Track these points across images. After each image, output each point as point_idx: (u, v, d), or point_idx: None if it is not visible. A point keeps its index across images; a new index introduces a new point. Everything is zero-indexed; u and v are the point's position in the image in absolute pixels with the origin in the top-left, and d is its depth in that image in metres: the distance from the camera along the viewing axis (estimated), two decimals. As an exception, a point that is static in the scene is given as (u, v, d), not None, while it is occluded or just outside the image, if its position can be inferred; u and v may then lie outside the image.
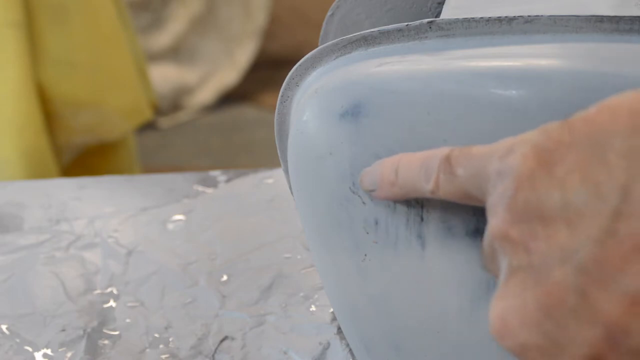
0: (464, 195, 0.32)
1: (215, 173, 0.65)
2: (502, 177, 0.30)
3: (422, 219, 0.37)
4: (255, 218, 0.60)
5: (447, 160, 0.32)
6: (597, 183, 0.27)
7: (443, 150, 0.33)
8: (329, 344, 0.49)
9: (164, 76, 2.03)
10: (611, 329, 0.27)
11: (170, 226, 0.59)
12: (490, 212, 0.30)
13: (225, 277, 0.54)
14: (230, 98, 2.08)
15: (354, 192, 0.38)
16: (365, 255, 0.39)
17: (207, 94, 2.07)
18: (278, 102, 0.40)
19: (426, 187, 0.33)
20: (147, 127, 1.85)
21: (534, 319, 0.28)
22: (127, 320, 0.51)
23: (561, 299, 0.27)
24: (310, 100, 0.38)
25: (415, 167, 0.34)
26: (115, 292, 0.53)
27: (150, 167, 1.79)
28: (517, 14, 0.35)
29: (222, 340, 0.50)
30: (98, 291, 0.54)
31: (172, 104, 2.05)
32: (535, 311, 0.28)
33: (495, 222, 0.29)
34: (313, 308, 0.52)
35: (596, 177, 0.27)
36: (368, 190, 0.37)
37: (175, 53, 2.07)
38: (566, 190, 0.28)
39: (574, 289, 0.27)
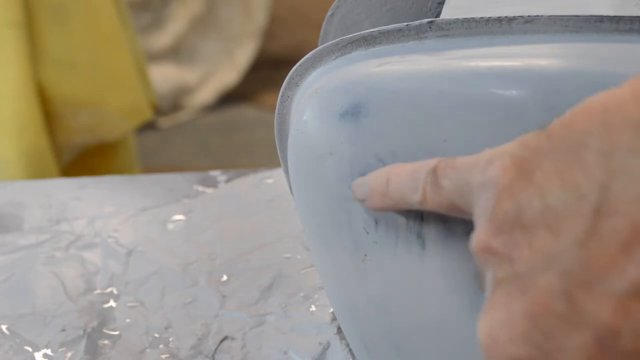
0: (450, 206, 0.32)
1: (215, 173, 0.65)
2: (484, 189, 0.29)
3: (422, 219, 0.37)
4: (255, 218, 0.60)
5: (434, 172, 0.32)
6: (575, 184, 0.27)
7: (431, 162, 0.33)
8: (329, 344, 0.49)
9: (164, 76, 2.03)
10: (601, 332, 0.26)
11: (170, 226, 0.59)
12: (475, 225, 0.30)
13: (225, 277, 0.54)
14: (230, 98, 2.08)
15: (354, 192, 0.38)
16: (365, 255, 0.39)
17: (207, 94, 2.07)
18: (278, 102, 0.40)
19: (414, 198, 0.33)
20: (147, 127, 1.85)
21: (521, 331, 0.28)
22: (127, 320, 0.51)
23: (548, 307, 0.27)
24: (310, 100, 0.38)
25: (405, 178, 0.34)
26: (115, 292, 0.53)
27: (150, 167, 1.79)
28: (517, 14, 0.35)
29: (222, 340, 0.50)
30: (98, 291, 0.54)
31: (172, 104, 2.05)
32: (523, 322, 0.28)
33: (477, 235, 0.29)
34: (313, 308, 0.52)
35: (574, 178, 0.27)
36: (359, 200, 0.37)
37: (175, 53, 2.07)
38: (545, 196, 0.27)
39: (560, 295, 0.27)
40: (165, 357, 0.49)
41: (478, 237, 0.29)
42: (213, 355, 0.49)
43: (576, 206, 0.27)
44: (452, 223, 0.36)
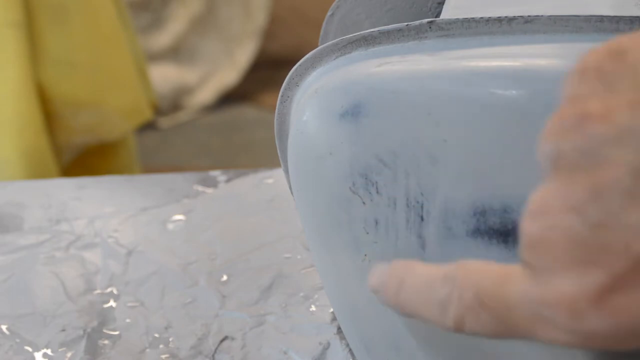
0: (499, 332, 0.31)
1: (215, 173, 0.65)
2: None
3: (422, 219, 0.37)
4: (255, 218, 0.60)
5: (461, 300, 0.31)
6: None
7: (447, 284, 0.32)
8: (329, 344, 0.49)
9: (164, 76, 2.03)
10: None
11: (170, 226, 0.59)
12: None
13: (225, 277, 0.54)
14: (230, 98, 2.08)
15: (354, 192, 0.38)
16: (365, 255, 0.39)
17: (207, 94, 2.07)
18: (278, 102, 0.40)
19: (446, 323, 0.32)
20: (147, 127, 1.85)
21: (579, 201, 0.27)
22: (127, 320, 0.51)
23: (615, 180, 0.26)
24: (310, 100, 0.38)
25: (421, 292, 0.33)
26: (115, 292, 0.53)
27: (150, 167, 1.79)
28: (517, 14, 0.35)
29: (222, 340, 0.50)
30: (98, 291, 0.54)
31: (172, 104, 2.05)
32: (582, 194, 0.27)
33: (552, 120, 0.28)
34: (313, 308, 0.52)
35: None
36: (373, 290, 0.36)
37: (175, 53, 2.07)
38: (638, 73, 0.27)
39: (631, 170, 0.26)
40: (165, 357, 0.49)
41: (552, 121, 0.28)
42: (213, 355, 0.49)
43: None
44: (452, 223, 0.36)
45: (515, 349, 0.37)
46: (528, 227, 0.28)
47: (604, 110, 0.27)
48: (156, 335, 0.50)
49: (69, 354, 0.49)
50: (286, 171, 0.42)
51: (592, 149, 0.27)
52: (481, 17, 0.35)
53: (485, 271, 0.31)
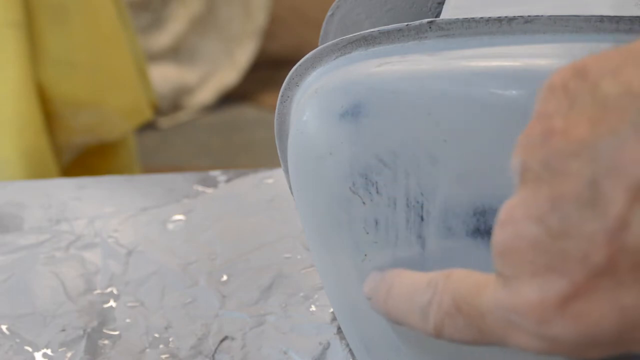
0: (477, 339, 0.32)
1: (215, 173, 0.65)
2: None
3: (422, 219, 0.37)
4: (255, 218, 0.60)
5: (440, 307, 0.33)
6: (630, 82, 0.27)
7: (428, 290, 0.33)
8: (329, 344, 0.49)
9: (164, 76, 2.03)
10: (613, 223, 0.26)
11: (170, 226, 0.59)
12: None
13: (225, 277, 0.54)
14: (230, 98, 2.08)
15: (354, 192, 0.38)
16: (365, 255, 0.39)
17: (207, 94, 2.07)
18: (278, 102, 0.40)
19: (427, 329, 0.33)
20: (147, 127, 1.85)
21: (540, 211, 0.28)
22: (127, 320, 0.51)
23: (572, 191, 0.27)
24: (310, 100, 0.38)
25: (405, 300, 0.35)
26: (115, 292, 0.53)
27: (150, 167, 1.79)
28: (517, 14, 0.35)
29: (222, 340, 0.50)
30: (98, 291, 0.54)
31: (172, 104, 2.05)
32: (543, 204, 0.28)
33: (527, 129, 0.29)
34: (313, 308, 0.52)
35: (630, 77, 0.27)
36: (366, 297, 0.38)
37: (175, 53, 2.07)
38: (597, 90, 0.28)
39: (586, 181, 0.27)
40: (165, 357, 0.49)
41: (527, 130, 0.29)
42: (213, 355, 0.49)
43: (625, 102, 0.27)
44: (452, 223, 0.36)
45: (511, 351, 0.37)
46: (497, 236, 0.29)
47: (565, 126, 0.28)
48: (156, 335, 0.50)
49: (69, 354, 0.49)
50: (286, 171, 0.42)
51: (554, 162, 0.28)
52: (481, 17, 0.35)
53: (465, 278, 0.32)
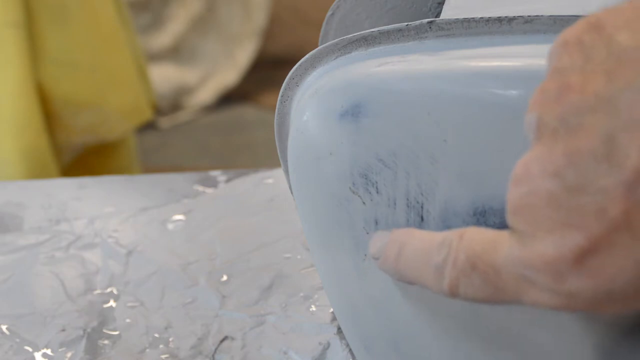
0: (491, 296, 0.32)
1: (215, 173, 0.65)
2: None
3: (422, 219, 0.37)
4: (255, 218, 0.60)
5: (454, 263, 0.32)
6: None
7: (443, 247, 0.33)
8: (329, 344, 0.49)
9: (164, 76, 2.03)
10: (630, 176, 0.26)
11: (170, 226, 0.59)
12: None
13: (225, 277, 0.54)
14: (230, 98, 2.08)
15: (354, 192, 0.38)
16: (366, 255, 0.39)
17: (207, 94, 2.07)
18: (278, 102, 0.40)
19: (442, 289, 0.33)
20: (147, 127, 1.85)
21: (556, 166, 0.28)
22: (127, 320, 0.51)
23: (588, 146, 0.27)
24: (310, 100, 0.38)
25: (418, 259, 0.34)
26: (115, 292, 0.53)
27: (150, 167, 1.79)
28: (517, 14, 0.35)
29: (222, 340, 0.50)
30: (98, 291, 0.54)
31: (172, 104, 2.05)
32: (560, 159, 0.28)
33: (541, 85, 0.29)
34: (313, 308, 0.52)
35: None
36: (373, 257, 0.37)
37: (175, 53, 2.07)
38: (612, 43, 0.27)
39: (603, 136, 0.27)
40: (165, 357, 0.49)
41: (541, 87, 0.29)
42: (213, 355, 0.49)
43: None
44: (452, 223, 0.36)
45: (511, 349, 0.37)
46: (512, 193, 0.29)
47: (581, 80, 0.28)
48: (156, 335, 0.50)
49: (69, 354, 0.49)
50: (286, 171, 0.42)
51: (570, 117, 0.28)
52: (481, 17, 0.35)
53: (479, 236, 0.32)
